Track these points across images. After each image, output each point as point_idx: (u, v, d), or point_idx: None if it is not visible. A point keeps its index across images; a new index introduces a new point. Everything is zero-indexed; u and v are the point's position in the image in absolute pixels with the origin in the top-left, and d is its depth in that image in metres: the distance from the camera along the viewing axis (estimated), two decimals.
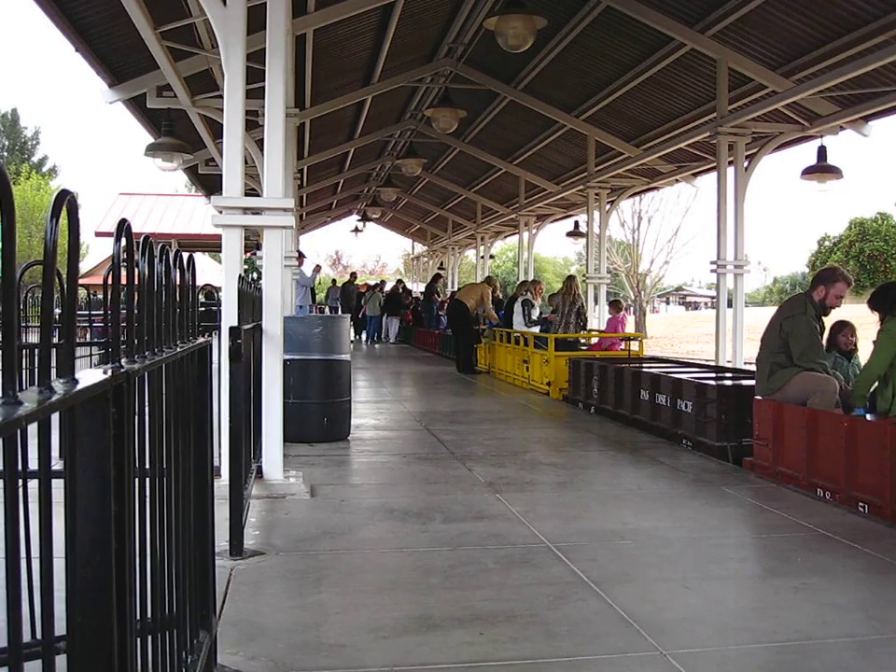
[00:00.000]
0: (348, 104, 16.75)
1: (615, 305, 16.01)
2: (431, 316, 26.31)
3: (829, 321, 7.71)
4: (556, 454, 8.76)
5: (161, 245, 2.25)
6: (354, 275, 32.49)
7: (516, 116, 18.32)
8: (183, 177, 29.87)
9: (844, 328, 7.99)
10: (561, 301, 15.25)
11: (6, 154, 65.71)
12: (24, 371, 6.50)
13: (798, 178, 13.39)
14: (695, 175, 17.96)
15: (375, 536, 5.25)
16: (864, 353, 8.97)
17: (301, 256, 20.25)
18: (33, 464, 2.00)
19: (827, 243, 68.06)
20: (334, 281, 35.04)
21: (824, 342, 7.54)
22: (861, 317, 9.06)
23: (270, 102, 6.51)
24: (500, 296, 18.78)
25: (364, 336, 28.90)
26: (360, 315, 28.69)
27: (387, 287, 31.78)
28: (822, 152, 13.11)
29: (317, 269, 23.82)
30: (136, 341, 2.00)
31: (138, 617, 1.85)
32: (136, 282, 2.01)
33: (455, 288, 30.53)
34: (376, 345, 27.32)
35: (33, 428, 1.36)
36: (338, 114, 17.34)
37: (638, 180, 18.75)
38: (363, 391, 13.39)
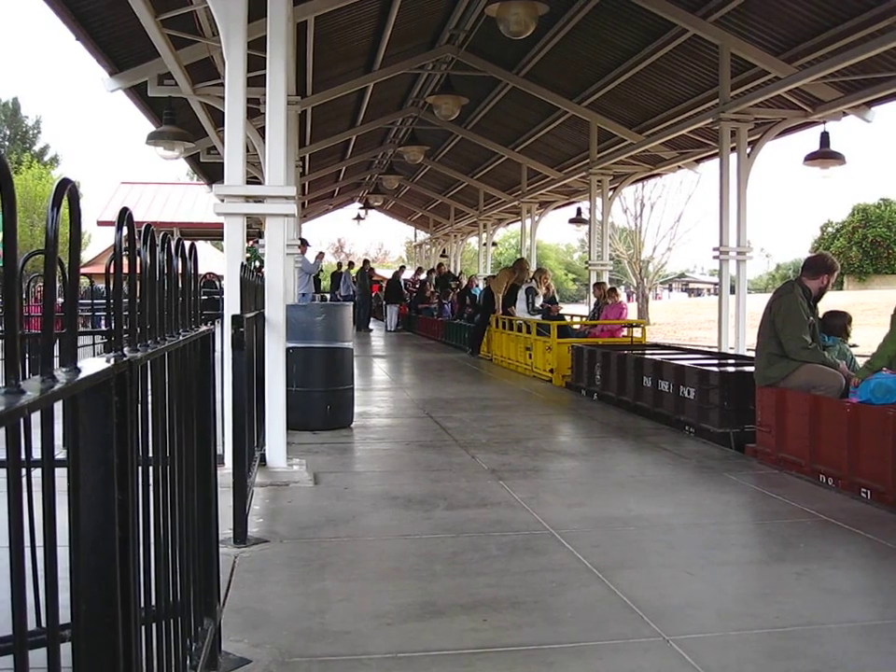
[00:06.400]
0: (350, 91, 16.71)
1: (613, 292, 16.03)
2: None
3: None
4: (559, 441, 8.78)
5: (162, 233, 2.25)
6: (366, 262, 32.16)
7: (518, 102, 18.27)
8: (185, 166, 29.87)
9: (843, 317, 7.94)
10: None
11: (7, 143, 65.64)
12: (27, 360, 6.51)
13: (801, 164, 13.37)
14: (698, 161, 17.91)
15: (379, 523, 5.26)
16: (863, 338, 8.98)
17: (304, 243, 20.20)
18: (36, 453, 2.00)
19: (830, 229, 68.04)
20: (339, 264, 34.53)
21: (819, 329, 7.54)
22: (863, 304, 9.06)
23: (271, 89, 6.50)
24: (526, 281, 17.64)
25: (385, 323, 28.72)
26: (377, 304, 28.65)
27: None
28: (825, 138, 13.08)
29: (320, 256, 23.74)
30: (139, 329, 2.00)
31: (142, 605, 1.86)
32: (138, 271, 2.01)
33: (457, 273, 30.53)
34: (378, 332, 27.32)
35: (36, 418, 1.36)
36: (339, 101, 17.30)
37: (641, 167, 18.70)
38: (366, 379, 13.40)
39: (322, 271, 25.25)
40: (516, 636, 3.51)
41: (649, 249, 42.99)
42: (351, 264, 34.23)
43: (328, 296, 27.85)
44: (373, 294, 30.60)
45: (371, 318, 29.37)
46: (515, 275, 17.36)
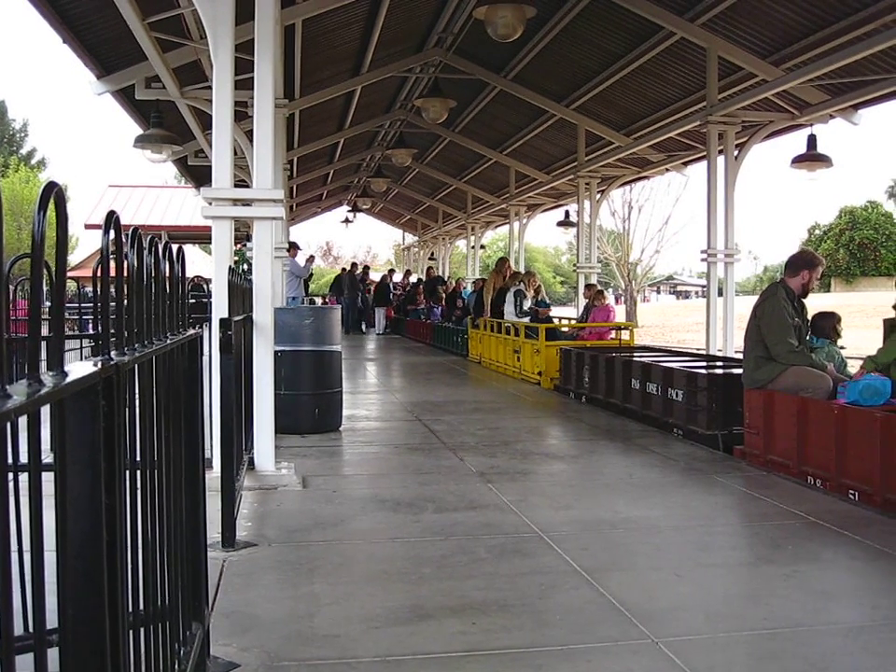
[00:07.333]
0: (338, 94, 16.70)
1: (601, 295, 16.05)
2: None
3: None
4: (548, 443, 8.79)
5: (150, 236, 2.24)
6: (354, 266, 32.07)
7: (506, 105, 18.30)
8: (172, 169, 29.86)
9: (832, 318, 7.96)
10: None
11: None
12: (14, 364, 6.48)
13: (788, 167, 13.41)
14: (685, 163, 17.95)
15: (367, 526, 5.26)
16: (850, 340, 9.01)
17: (294, 247, 20.14)
18: (23, 457, 1.99)
19: (817, 231, 68.41)
20: (343, 269, 34.37)
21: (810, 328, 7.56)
22: (850, 305, 9.09)
23: (259, 93, 6.49)
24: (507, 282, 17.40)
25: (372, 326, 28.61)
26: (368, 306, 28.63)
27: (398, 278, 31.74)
28: (812, 141, 13.12)
29: (311, 259, 23.71)
30: (126, 333, 2.00)
31: (130, 609, 1.85)
32: (125, 274, 2.01)
33: (446, 277, 30.56)
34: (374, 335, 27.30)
35: (23, 422, 1.36)
36: (327, 104, 17.29)
37: (629, 169, 18.74)
38: (355, 382, 13.38)
39: (312, 274, 25.21)
40: (505, 638, 3.51)
41: (637, 252, 43.10)
42: (362, 267, 34.05)
43: (316, 299, 27.77)
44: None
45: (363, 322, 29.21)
46: (501, 276, 17.38)
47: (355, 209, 35.03)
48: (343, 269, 34.53)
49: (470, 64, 16.25)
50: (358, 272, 30.42)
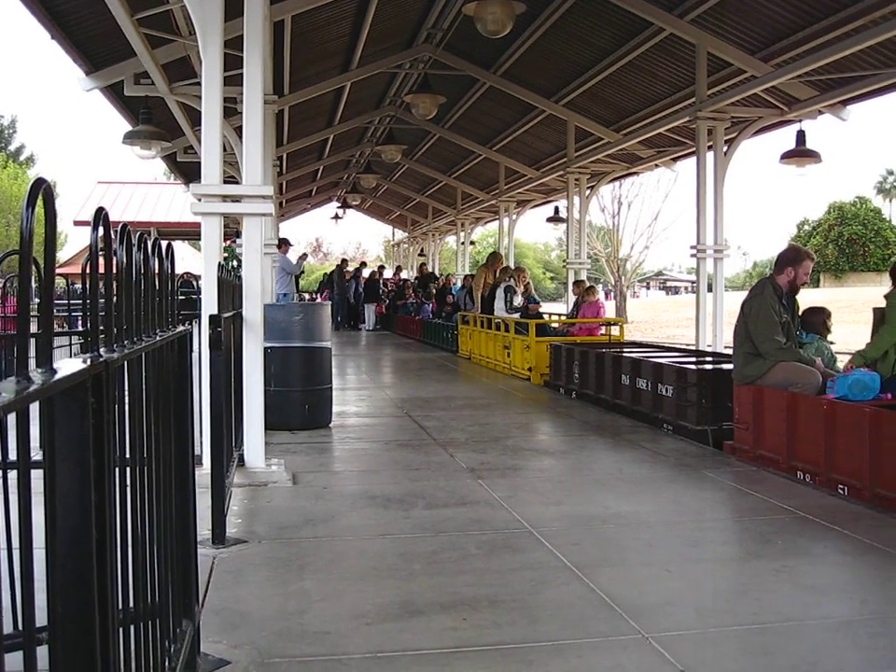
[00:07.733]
0: (327, 90, 16.66)
1: (591, 291, 16.05)
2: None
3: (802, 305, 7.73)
4: (538, 439, 8.80)
5: (139, 233, 2.24)
6: (345, 262, 32.01)
7: (496, 101, 18.28)
8: (161, 165, 29.68)
9: (822, 313, 7.98)
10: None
11: None
12: (3, 361, 6.46)
13: (777, 163, 13.44)
14: (675, 159, 17.97)
15: (358, 523, 5.25)
16: (839, 335, 9.03)
17: (285, 243, 20.10)
18: (12, 454, 1.98)
19: (806, 227, 68.61)
20: (338, 265, 34.31)
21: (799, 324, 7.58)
22: (838, 301, 9.10)
23: (248, 89, 6.47)
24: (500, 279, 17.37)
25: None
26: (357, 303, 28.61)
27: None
28: (801, 136, 13.14)
29: (303, 257, 23.67)
30: (115, 330, 1.99)
31: (120, 607, 1.85)
32: (114, 271, 2.00)
33: (438, 274, 30.57)
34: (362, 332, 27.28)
35: (12, 419, 1.35)
36: (317, 100, 17.26)
37: (618, 165, 18.74)
38: (344, 378, 13.37)
39: (303, 271, 25.17)
40: (495, 634, 3.52)
41: (626, 247, 43.21)
42: (359, 263, 33.95)
43: (305, 295, 27.69)
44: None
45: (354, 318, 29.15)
46: (491, 272, 17.37)
47: (344, 205, 34.97)
48: (338, 265, 34.54)
49: (460, 60, 16.22)
50: (349, 268, 30.39)
